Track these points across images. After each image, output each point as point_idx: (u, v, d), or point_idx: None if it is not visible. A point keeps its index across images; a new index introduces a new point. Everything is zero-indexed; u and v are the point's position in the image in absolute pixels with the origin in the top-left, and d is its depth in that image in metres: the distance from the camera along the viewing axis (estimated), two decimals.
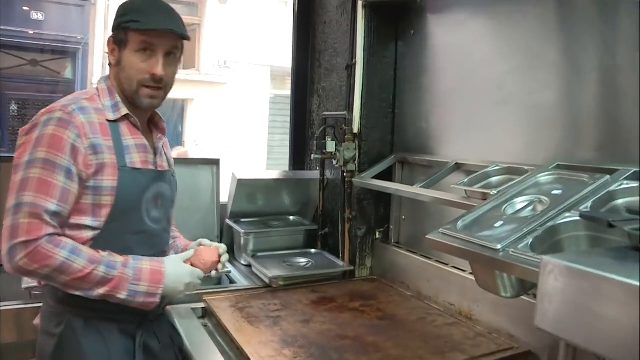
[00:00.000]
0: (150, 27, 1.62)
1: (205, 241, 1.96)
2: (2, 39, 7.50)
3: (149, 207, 1.72)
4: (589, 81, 1.76)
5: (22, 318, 2.14)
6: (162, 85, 1.70)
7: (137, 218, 1.69)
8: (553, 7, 1.89)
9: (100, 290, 1.58)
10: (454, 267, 2.25)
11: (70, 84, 8.35)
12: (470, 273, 2.14)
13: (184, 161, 3.24)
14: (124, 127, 1.70)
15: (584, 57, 1.76)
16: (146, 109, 1.75)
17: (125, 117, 1.70)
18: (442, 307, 2.25)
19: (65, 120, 1.57)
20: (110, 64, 1.74)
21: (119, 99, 1.70)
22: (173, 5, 1.74)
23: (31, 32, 7.99)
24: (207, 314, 2.20)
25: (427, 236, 1.57)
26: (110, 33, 1.72)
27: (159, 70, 1.66)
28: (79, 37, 8.31)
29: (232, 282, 2.64)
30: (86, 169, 1.58)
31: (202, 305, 2.22)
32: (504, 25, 2.10)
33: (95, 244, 1.61)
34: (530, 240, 1.33)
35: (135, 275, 1.62)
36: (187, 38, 1.72)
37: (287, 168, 3.43)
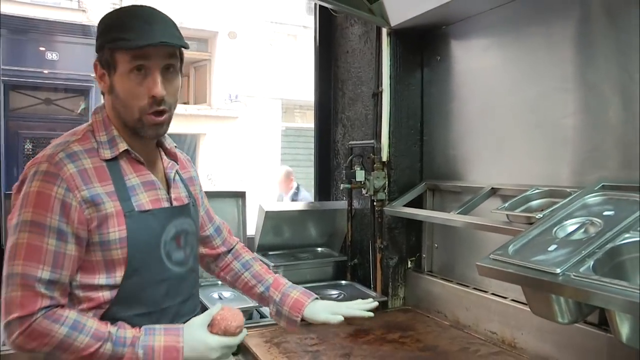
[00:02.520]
0: (141, 44, 1.36)
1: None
2: (18, 79, 7.63)
3: (170, 250, 1.50)
4: (625, 100, 1.74)
5: None
6: (165, 107, 1.43)
7: (157, 266, 1.47)
8: (585, 26, 1.89)
9: None
10: (493, 294, 2.20)
11: (83, 121, 8.41)
12: (512, 300, 2.10)
13: (209, 194, 3.19)
14: (124, 165, 1.46)
15: (622, 75, 1.74)
16: (153, 139, 1.52)
17: (126, 152, 1.46)
18: (483, 335, 2.19)
19: (51, 173, 1.35)
20: (102, 93, 1.49)
21: (115, 132, 1.46)
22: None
23: (46, 71, 8.13)
24: (240, 349, 2.14)
25: (477, 263, 1.53)
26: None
27: (159, 90, 1.39)
28: (92, 75, 8.39)
29: (262, 316, 2.59)
30: (84, 225, 1.36)
31: None
32: (533, 47, 2.08)
33: (115, 304, 1.41)
34: (592, 263, 1.30)
35: (145, 355, 1.36)
36: (186, 46, 1.46)
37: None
